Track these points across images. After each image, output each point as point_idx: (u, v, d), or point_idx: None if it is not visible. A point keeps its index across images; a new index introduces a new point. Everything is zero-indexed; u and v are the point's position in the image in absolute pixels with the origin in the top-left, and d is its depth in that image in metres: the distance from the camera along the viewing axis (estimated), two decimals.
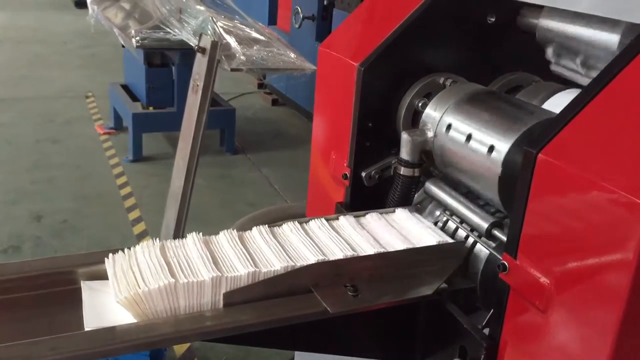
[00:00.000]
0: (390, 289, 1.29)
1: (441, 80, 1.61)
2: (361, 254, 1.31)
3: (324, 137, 1.80)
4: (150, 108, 5.87)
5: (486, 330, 1.26)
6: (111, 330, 1.10)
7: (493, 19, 1.66)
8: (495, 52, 1.70)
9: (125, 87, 6.28)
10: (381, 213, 1.51)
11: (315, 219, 1.44)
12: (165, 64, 5.61)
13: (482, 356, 1.18)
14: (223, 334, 1.13)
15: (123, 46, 5.75)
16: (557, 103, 1.46)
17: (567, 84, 1.56)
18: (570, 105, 1.08)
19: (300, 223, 1.43)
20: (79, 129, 6.42)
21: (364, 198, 1.67)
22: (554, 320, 1.04)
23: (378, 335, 1.38)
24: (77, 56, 9.37)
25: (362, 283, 1.27)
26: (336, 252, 1.31)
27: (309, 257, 1.27)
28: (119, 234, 4.45)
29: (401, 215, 1.52)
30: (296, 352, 2.10)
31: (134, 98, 6.01)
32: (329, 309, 1.19)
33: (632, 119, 0.99)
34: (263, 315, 1.16)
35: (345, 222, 1.45)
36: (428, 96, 1.61)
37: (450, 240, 1.39)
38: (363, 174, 1.66)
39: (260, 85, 7.89)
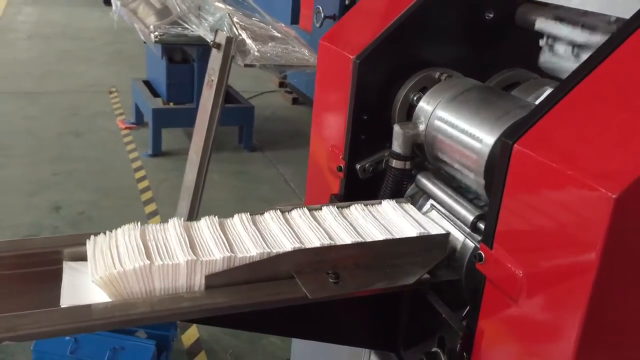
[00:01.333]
0: (373, 278, 1.30)
1: (436, 75, 1.62)
2: (339, 243, 1.32)
3: (322, 130, 1.82)
4: (171, 104, 5.95)
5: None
6: (86, 308, 1.12)
7: (491, 15, 1.66)
8: (494, 49, 1.70)
9: (147, 83, 6.38)
10: (366, 204, 1.52)
11: (298, 209, 1.46)
12: (186, 60, 5.69)
13: (459, 345, 1.19)
14: (199, 315, 1.16)
15: (145, 42, 5.84)
16: None
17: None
18: (547, 98, 1.08)
19: (282, 212, 1.45)
20: (101, 123, 6.53)
21: (358, 190, 1.69)
22: (525, 310, 1.05)
23: (362, 324, 1.39)
24: (104, 52, 9.53)
25: (345, 271, 1.29)
26: (314, 241, 1.32)
27: (286, 245, 1.29)
28: None
29: (387, 206, 1.52)
30: (293, 343, 2.12)
31: (155, 94, 6.10)
32: (308, 294, 1.21)
33: (605, 112, 0.99)
34: (242, 298, 1.18)
35: (327, 212, 1.47)
36: (423, 90, 1.62)
37: (432, 232, 1.39)
38: (357, 167, 1.68)
39: (281, 84, 7.94)
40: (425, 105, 1.56)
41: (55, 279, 1.27)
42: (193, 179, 3.68)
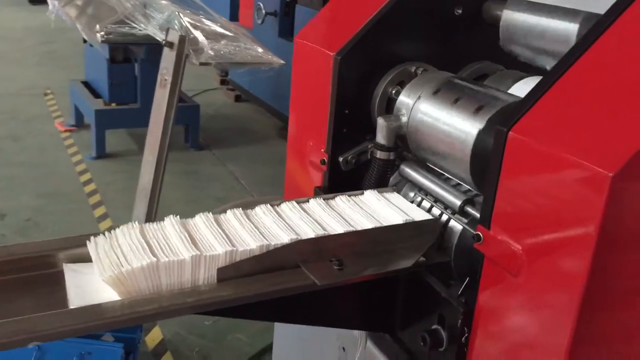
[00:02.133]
0: (373, 263, 1.37)
1: (413, 69, 1.70)
2: (332, 233, 1.38)
3: (301, 125, 1.88)
4: (113, 104, 5.83)
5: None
6: (97, 307, 1.15)
7: (460, 11, 1.76)
8: (463, 43, 1.80)
9: (86, 84, 6.22)
10: (350, 195, 1.58)
11: (287, 202, 1.51)
12: (128, 59, 5.59)
13: (460, 321, 1.27)
14: (219, 306, 1.20)
15: (85, 41, 5.70)
16: (521, 88, 1.57)
17: (529, 71, 1.68)
18: (535, 88, 1.18)
19: (273, 206, 1.49)
20: (40, 127, 6.32)
21: (341, 182, 1.75)
22: (525, 283, 1.14)
23: (360, 308, 1.46)
24: (35, 53, 9.18)
25: (346, 258, 1.35)
26: (308, 232, 1.37)
27: (283, 237, 1.34)
28: (85, 230, 4.38)
29: (370, 196, 1.59)
30: (275, 330, 2.17)
31: (96, 95, 5.96)
32: (317, 281, 1.26)
33: (591, 100, 1.10)
34: (256, 288, 1.23)
35: (315, 204, 1.53)
36: (401, 84, 1.70)
37: (418, 219, 1.48)
38: (340, 159, 1.74)
39: (223, 82, 7.90)
40: (405, 99, 1.64)
41: (50, 283, 1.28)
42: (150, 180, 3.65)
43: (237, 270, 1.26)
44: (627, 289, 1.10)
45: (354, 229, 1.41)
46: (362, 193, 1.61)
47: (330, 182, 1.76)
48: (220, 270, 1.24)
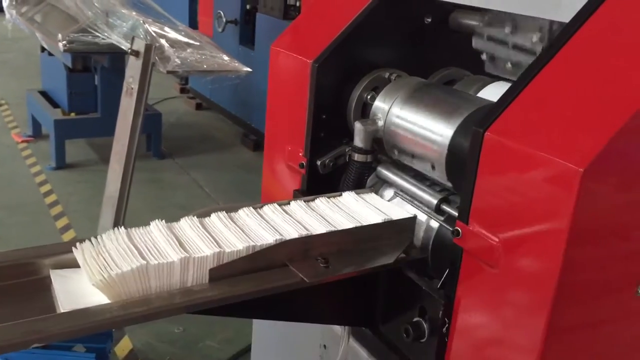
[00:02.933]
0: (356, 261, 1.43)
1: (386, 75, 1.78)
2: (315, 233, 1.43)
3: (279, 131, 1.93)
4: (72, 114, 5.76)
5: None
6: (86, 311, 1.16)
7: (429, 20, 1.85)
8: (432, 49, 1.89)
9: (43, 94, 6.13)
10: (329, 197, 1.65)
11: (269, 205, 1.56)
12: (87, 68, 5.54)
13: (441, 312, 1.35)
14: (214, 304, 1.24)
15: (43, 50, 5.62)
16: (489, 93, 1.67)
17: (494, 77, 1.77)
18: (508, 92, 1.26)
19: (255, 208, 1.54)
20: None
21: (319, 185, 1.81)
22: (502, 274, 1.22)
23: (344, 304, 1.52)
24: None
25: (331, 256, 1.41)
26: (292, 233, 1.42)
27: (268, 238, 1.38)
28: (48, 242, 4.35)
29: (348, 198, 1.65)
30: (254, 328, 2.21)
31: (54, 104, 5.88)
32: (305, 279, 1.32)
33: (560, 101, 1.19)
34: (247, 287, 1.28)
35: (296, 206, 1.58)
36: (375, 89, 1.77)
37: (393, 217, 1.54)
38: (318, 163, 1.80)
39: (183, 90, 7.88)
40: (381, 104, 1.71)
41: (35, 290, 1.28)
42: (116, 189, 3.63)
43: (229, 270, 1.30)
44: (599, 284, 1.19)
45: (337, 229, 1.47)
46: (341, 194, 1.67)
47: (309, 185, 1.82)
48: (212, 271, 1.28)
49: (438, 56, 1.91)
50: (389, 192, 1.71)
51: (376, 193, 1.71)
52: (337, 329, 1.69)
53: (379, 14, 1.77)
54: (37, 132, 6.18)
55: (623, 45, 1.19)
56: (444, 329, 1.36)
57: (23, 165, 5.67)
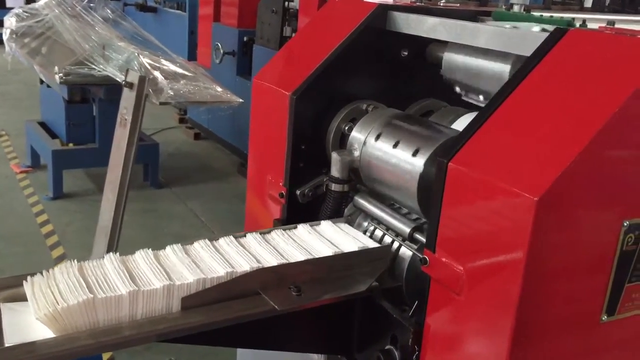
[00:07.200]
0: (329, 288, 1.46)
1: (364, 107, 1.82)
2: (292, 261, 1.45)
3: (260, 161, 1.97)
4: (70, 144, 5.83)
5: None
6: (32, 344, 1.16)
7: (406, 53, 1.90)
8: (409, 82, 1.94)
9: (42, 125, 6.20)
10: (312, 225, 1.68)
11: (250, 233, 1.59)
12: (86, 100, 5.62)
13: (410, 340, 1.37)
14: (185, 333, 1.26)
15: (41, 82, 5.71)
16: (463, 124, 1.70)
17: (471, 107, 1.82)
18: (472, 123, 1.30)
19: (236, 237, 1.57)
20: None
21: (299, 214, 1.84)
22: (467, 302, 1.25)
23: (320, 332, 1.54)
24: None
25: (304, 285, 1.44)
26: (270, 260, 1.44)
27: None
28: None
29: (326, 226, 1.68)
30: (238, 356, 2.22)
31: (53, 135, 5.95)
32: (276, 307, 1.34)
33: (519, 133, 1.23)
34: (218, 315, 1.30)
35: (276, 234, 1.61)
36: (353, 121, 1.81)
37: (371, 245, 1.57)
38: (298, 192, 1.84)
39: (182, 120, 7.96)
40: (357, 135, 1.75)
41: None
42: (110, 219, 3.66)
43: (202, 299, 1.32)
44: (562, 311, 1.21)
45: (312, 257, 1.49)
46: (319, 223, 1.70)
47: (289, 215, 1.85)
48: (185, 299, 1.30)
49: (416, 88, 1.96)
50: (366, 221, 1.74)
51: (353, 222, 1.74)
52: (315, 356, 1.70)
53: (356, 47, 1.82)
54: (35, 163, 6.24)
55: (579, 80, 1.23)
56: (414, 357, 1.37)
57: (21, 195, 5.71)
